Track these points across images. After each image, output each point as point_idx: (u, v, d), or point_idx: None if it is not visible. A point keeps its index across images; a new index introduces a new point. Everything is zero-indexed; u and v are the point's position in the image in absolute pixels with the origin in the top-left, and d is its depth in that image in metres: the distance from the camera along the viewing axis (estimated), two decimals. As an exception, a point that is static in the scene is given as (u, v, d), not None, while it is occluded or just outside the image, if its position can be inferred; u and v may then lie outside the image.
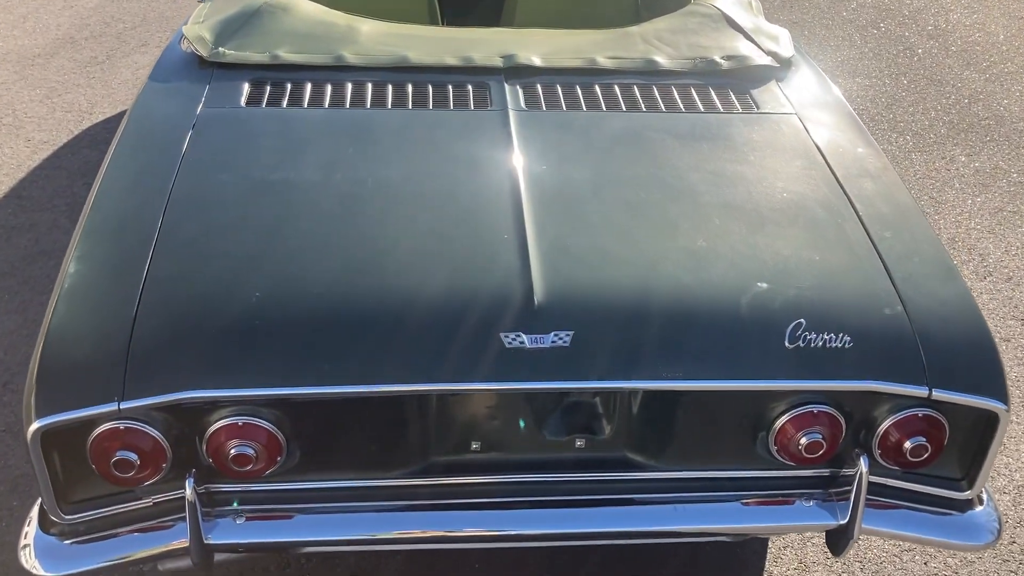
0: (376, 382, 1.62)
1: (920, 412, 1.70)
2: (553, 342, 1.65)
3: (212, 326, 1.65)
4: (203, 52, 2.38)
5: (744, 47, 2.53)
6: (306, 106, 2.23)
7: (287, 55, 2.37)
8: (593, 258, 1.79)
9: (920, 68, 5.63)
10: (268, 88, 2.29)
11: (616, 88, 2.37)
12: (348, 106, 2.24)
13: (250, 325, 1.65)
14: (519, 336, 1.65)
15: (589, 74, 2.41)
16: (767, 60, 2.49)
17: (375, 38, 2.46)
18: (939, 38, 6.11)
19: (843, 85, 5.31)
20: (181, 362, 1.61)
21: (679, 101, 2.34)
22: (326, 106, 2.23)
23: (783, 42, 2.60)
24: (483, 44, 2.47)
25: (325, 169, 1.99)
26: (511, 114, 2.22)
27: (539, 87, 2.35)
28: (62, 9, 6.05)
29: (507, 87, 2.33)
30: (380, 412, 1.69)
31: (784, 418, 1.71)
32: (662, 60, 2.45)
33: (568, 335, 1.65)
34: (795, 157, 2.15)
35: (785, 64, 2.52)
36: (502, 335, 1.65)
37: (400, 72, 2.37)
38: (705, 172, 2.06)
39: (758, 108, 2.34)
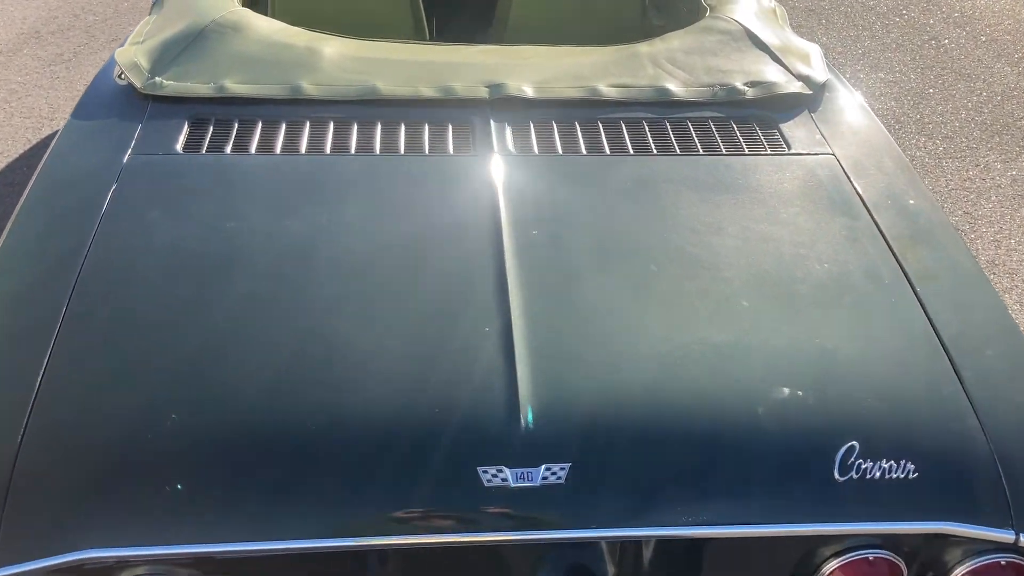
0: (318, 536, 1.28)
1: (1003, 560, 1.37)
2: (544, 479, 1.31)
3: (118, 461, 1.32)
4: (137, 82, 2.03)
5: (770, 70, 2.16)
6: (254, 151, 1.88)
7: (235, 86, 2.01)
8: (595, 363, 1.44)
9: (947, 60, 5.24)
10: (211, 128, 1.94)
11: (622, 124, 2.02)
12: (304, 151, 1.88)
13: (167, 460, 1.31)
14: (501, 471, 1.31)
15: (590, 106, 2.06)
16: (797, 86, 2.13)
17: (340, 63, 2.10)
18: (966, 26, 5.71)
19: (865, 80, 4.92)
20: (78, 511, 1.28)
21: (696, 140, 1.98)
22: (278, 151, 1.88)
23: (815, 62, 2.23)
24: (467, 69, 2.11)
25: (271, 241, 1.64)
26: (497, 160, 1.87)
27: (531, 124, 1.99)
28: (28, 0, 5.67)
29: (493, 124, 1.98)
30: (327, 572, 1.35)
31: (832, 565, 1.38)
32: (675, 88, 2.09)
33: (563, 469, 1.32)
34: (835, 212, 1.80)
35: (818, 90, 2.16)
36: (480, 470, 1.31)
37: (368, 105, 2.01)
38: (728, 235, 1.71)
39: (789, 147, 1.98)
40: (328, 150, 1.88)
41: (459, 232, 1.67)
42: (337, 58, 2.11)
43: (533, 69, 2.13)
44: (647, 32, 3.29)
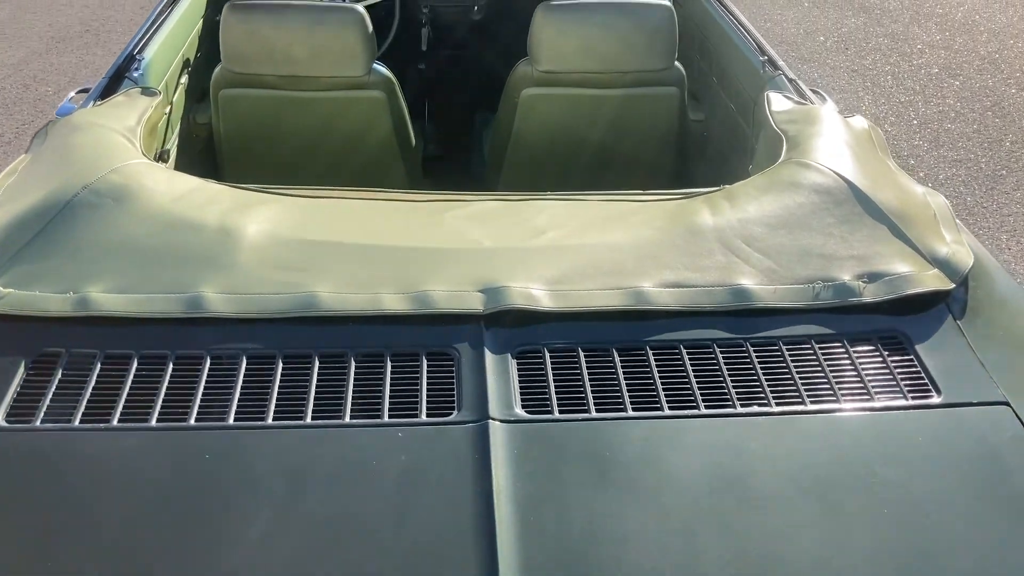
0: None
1: None
2: None
3: None
4: (-37, 287, 1.37)
5: (890, 250, 1.49)
6: (117, 422, 1.21)
7: (103, 298, 1.34)
8: None
9: (1016, 131, 4.57)
10: (58, 374, 1.27)
11: (683, 352, 1.34)
12: (194, 418, 1.21)
13: None
14: None
15: (637, 318, 1.38)
16: (934, 278, 1.45)
17: (268, 252, 1.43)
18: (1032, 89, 5.05)
19: (927, 158, 4.25)
20: None
21: (798, 382, 1.30)
22: (153, 421, 1.21)
23: (950, 228, 1.57)
24: (451, 258, 1.44)
25: None
26: (495, 432, 1.19)
27: (546, 356, 1.32)
28: (-22, 67, 5.06)
29: (489, 362, 1.30)
30: None
31: None
32: (759, 288, 1.41)
33: None
34: None
35: (961, 279, 1.48)
36: None
37: (301, 327, 1.35)
38: None
39: (938, 392, 1.30)
40: (232, 417, 1.21)
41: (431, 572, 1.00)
42: (264, 242, 1.45)
43: (546, 256, 1.46)
44: (683, 131, 2.63)
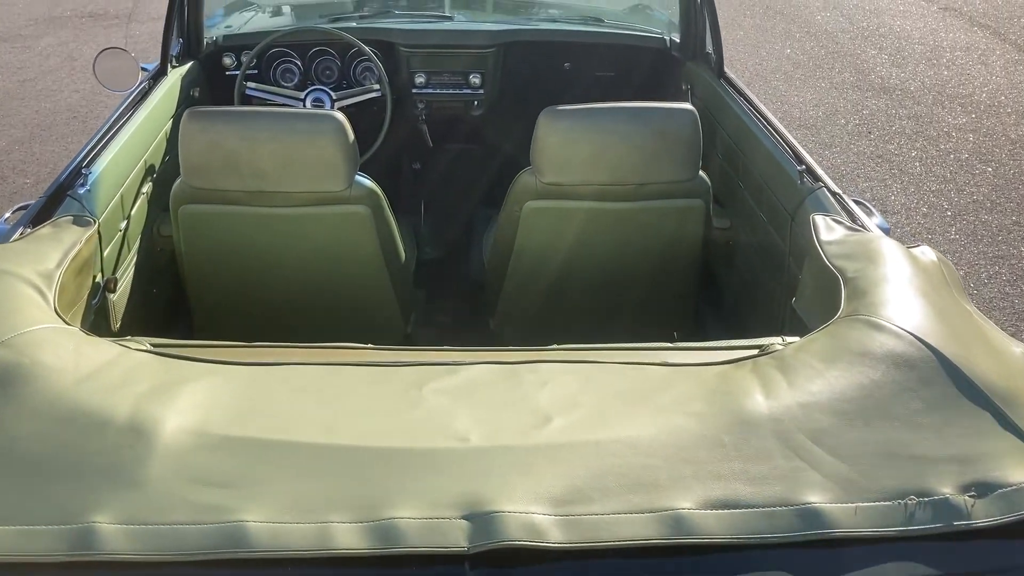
0: None
1: None
2: None
3: None
4: None
5: (1000, 446, 1.14)
6: None
7: None
8: None
9: (1059, 224, 4.25)
10: None
11: None
12: None
13: None
14: None
15: (671, 554, 1.04)
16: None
17: (189, 458, 1.09)
18: (1070, 176, 4.74)
19: (965, 254, 3.93)
20: None
21: None
22: None
23: None
24: (428, 464, 1.10)
25: None
26: None
27: None
28: (-44, 157, 4.82)
29: None
30: None
31: None
32: (834, 508, 1.07)
33: None
34: None
35: None
36: None
37: (224, 571, 1.01)
38: None
39: None
40: None
41: None
42: (185, 445, 1.11)
43: (555, 461, 1.12)
44: (707, 245, 2.31)
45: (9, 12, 7.77)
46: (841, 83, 6.15)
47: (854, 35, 7.32)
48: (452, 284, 3.19)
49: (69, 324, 1.35)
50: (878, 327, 1.31)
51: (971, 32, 7.43)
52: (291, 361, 1.34)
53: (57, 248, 1.57)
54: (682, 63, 3.03)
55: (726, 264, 2.56)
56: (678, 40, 3.09)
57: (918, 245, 1.66)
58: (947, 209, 4.36)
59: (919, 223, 4.19)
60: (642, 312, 2.40)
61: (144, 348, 1.32)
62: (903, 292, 1.41)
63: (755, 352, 1.38)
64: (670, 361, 1.37)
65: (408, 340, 2.52)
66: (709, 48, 2.86)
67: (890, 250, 1.58)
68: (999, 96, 5.93)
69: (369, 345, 1.46)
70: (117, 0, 8.18)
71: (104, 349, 1.27)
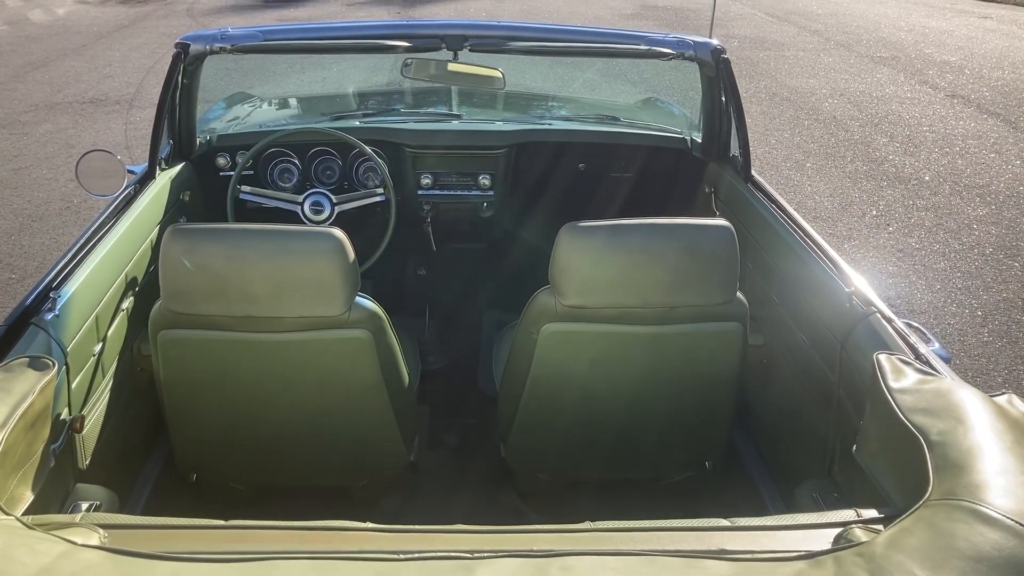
0: None
1: None
2: None
3: None
4: None
5: None
6: None
7: None
8: None
9: (1096, 325, 4.03)
10: None
11: None
12: None
13: None
14: None
15: None
16: None
17: None
18: (1102, 272, 4.54)
19: (1002, 359, 3.70)
20: None
21: None
22: None
23: None
24: None
25: None
26: None
27: None
28: (-59, 250, 4.62)
29: None
30: None
31: None
32: None
33: None
34: None
35: None
36: None
37: None
38: None
39: None
40: None
41: None
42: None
43: None
44: (743, 369, 2.08)
45: (9, 98, 7.70)
46: (854, 172, 6.01)
47: (863, 122, 7.22)
48: (459, 397, 2.96)
49: (3, 509, 1.11)
50: (988, 520, 1.07)
51: (981, 120, 7.33)
52: (274, 551, 1.10)
53: (4, 402, 1.34)
54: (705, 164, 2.86)
55: (761, 386, 2.33)
56: (699, 140, 2.92)
57: (1002, 393, 1.43)
58: (977, 309, 4.15)
59: (950, 324, 3.98)
60: (671, 442, 2.16)
61: (94, 542, 1.08)
62: (1005, 467, 1.18)
63: (831, 537, 1.15)
64: (728, 549, 1.13)
65: (412, 468, 2.28)
66: (734, 151, 2.68)
67: (974, 405, 1.35)
68: (1017, 186, 5.77)
69: (369, 524, 1.22)
70: (119, 86, 8.12)
71: (42, 550, 1.03)
